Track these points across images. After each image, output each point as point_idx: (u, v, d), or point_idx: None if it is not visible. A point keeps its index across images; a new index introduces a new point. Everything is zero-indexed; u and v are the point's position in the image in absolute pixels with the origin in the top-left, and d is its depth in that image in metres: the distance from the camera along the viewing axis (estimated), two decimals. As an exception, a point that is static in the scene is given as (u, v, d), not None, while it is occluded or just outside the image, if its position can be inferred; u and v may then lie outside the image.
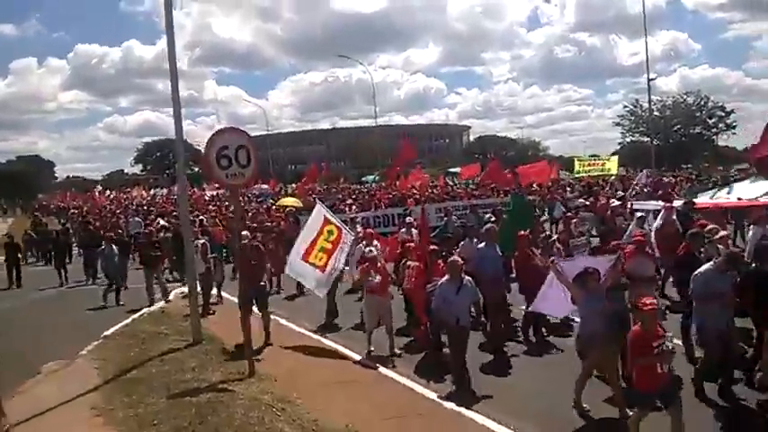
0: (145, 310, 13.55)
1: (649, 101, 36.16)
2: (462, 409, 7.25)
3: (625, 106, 67.42)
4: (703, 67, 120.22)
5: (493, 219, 13.49)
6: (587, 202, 17.19)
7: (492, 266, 9.71)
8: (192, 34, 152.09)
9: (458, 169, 45.30)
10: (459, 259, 8.56)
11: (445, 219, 17.37)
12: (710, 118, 62.36)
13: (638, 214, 13.01)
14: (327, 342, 10.54)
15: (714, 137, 62.93)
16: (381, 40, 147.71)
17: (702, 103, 61.90)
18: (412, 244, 11.00)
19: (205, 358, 9.34)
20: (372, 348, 9.66)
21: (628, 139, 63.89)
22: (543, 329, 9.93)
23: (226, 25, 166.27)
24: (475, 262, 9.74)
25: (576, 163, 24.52)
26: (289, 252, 11.79)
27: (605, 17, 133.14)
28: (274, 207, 23.71)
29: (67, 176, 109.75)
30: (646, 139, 60.13)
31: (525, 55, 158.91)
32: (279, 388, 7.99)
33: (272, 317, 10.98)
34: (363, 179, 58.10)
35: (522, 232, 10.24)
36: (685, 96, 60.83)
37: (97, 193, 59.55)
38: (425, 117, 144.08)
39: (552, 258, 8.16)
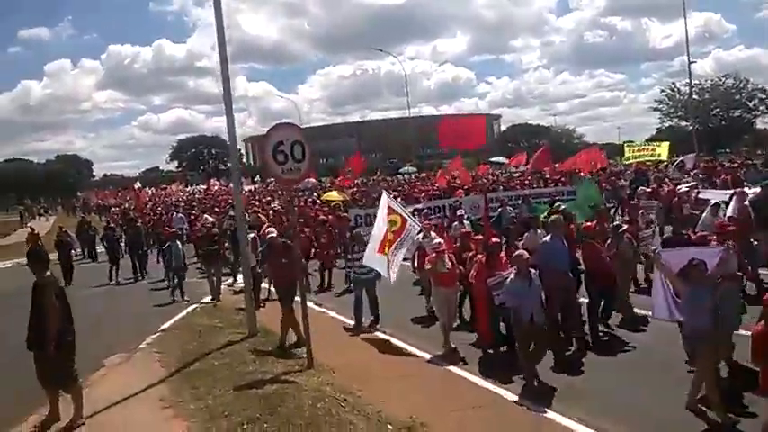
0: (196, 304, 13.79)
1: (690, 84, 35.42)
2: (533, 406, 7.10)
3: (662, 90, 66.14)
4: (738, 48, 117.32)
5: (562, 207, 12.91)
6: (649, 190, 16.38)
7: (560, 259, 9.10)
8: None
9: (500, 159, 44.79)
10: (526, 252, 8.23)
11: (499, 209, 16.93)
12: (750, 100, 60.84)
13: (712, 202, 12.23)
14: (382, 335, 10.55)
15: (754, 120, 61.49)
16: (409, 31, 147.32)
17: (741, 85, 60.40)
18: (477, 236, 10.73)
19: (263, 350, 9.48)
20: (449, 345, 9.34)
21: (666, 124, 62.74)
22: (611, 324, 9.56)
23: (254, 22, 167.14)
24: (541, 254, 9.11)
25: (626, 149, 23.94)
26: (338, 246, 11.90)
27: (636, 1, 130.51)
28: (319, 201, 23.74)
29: (104, 175, 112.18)
30: (684, 123, 59.08)
31: (555, 41, 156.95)
32: (338, 380, 8.05)
33: (323, 310, 11.09)
34: (400, 171, 57.90)
35: (589, 222, 9.93)
36: (724, 79, 59.43)
37: (137, 191, 60.81)
38: (455, 107, 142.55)
39: (655, 250, 7.90)
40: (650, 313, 8.04)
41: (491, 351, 9.14)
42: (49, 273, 6.96)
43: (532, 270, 7.98)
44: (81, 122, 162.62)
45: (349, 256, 11.87)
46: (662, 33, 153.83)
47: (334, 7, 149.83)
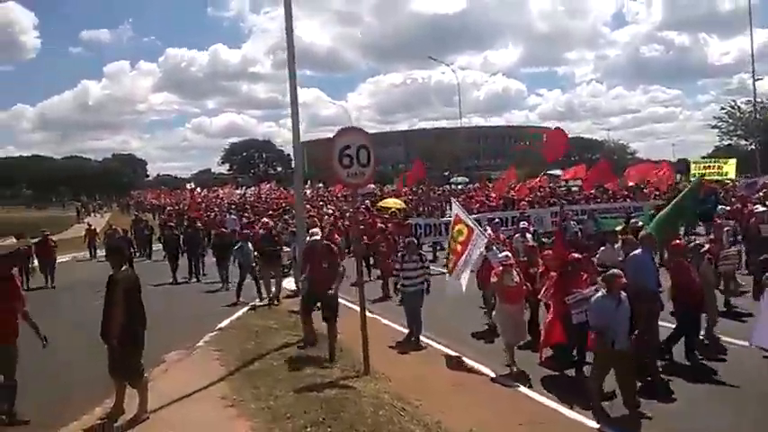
0: (250, 305, 13.95)
1: (755, 101, 34.22)
2: (608, 429, 6.88)
3: (722, 108, 64.44)
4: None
5: (639, 224, 12.39)
6: (728, 208, 15.64)
7: (649, 277, 8.41)
8: (275, 38, 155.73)
9: (558, 171, 43.98)
10: (620, 271, 7.52)
11: (563, 224, 16.01)
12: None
13: None
14: (438, 346, 10.39)
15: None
16: (460, 41, 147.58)
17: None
18: (548, 251, 10.12)
19: (320, 354, 9.47)
20: (516, 365, 8.87)
21: (725, 142, 61.03)
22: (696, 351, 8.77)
23: (308, 29, 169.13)
24: (631, 270, 8.30)
25: (693, 165, 23.28)
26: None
27: (694, 15, 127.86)
28: (375, 208, 23.40)
29: (158, 175, 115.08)
30: (744, 142, 57.41)
31: (610, 54, 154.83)
32: (395, 389, 7.99)
33: (375, 316, 10.92)
34: (451, 181, 57.50)
35: (678, 240, 9.34)
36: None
37: (191, 191, 62.10)
38: (504, 118, 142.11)
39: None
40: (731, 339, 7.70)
41: (557, 372, 8.61)
42: (125, 267, 7.07)
43: (623, 292, 7.38)
44: (137, 123, 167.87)
45: (397, 266, 11.04)
46: (720, 49, 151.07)
47: (386, 16, 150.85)
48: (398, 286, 11.14)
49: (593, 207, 19.22)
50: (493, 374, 8.80)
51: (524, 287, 9.25)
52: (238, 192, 54.47)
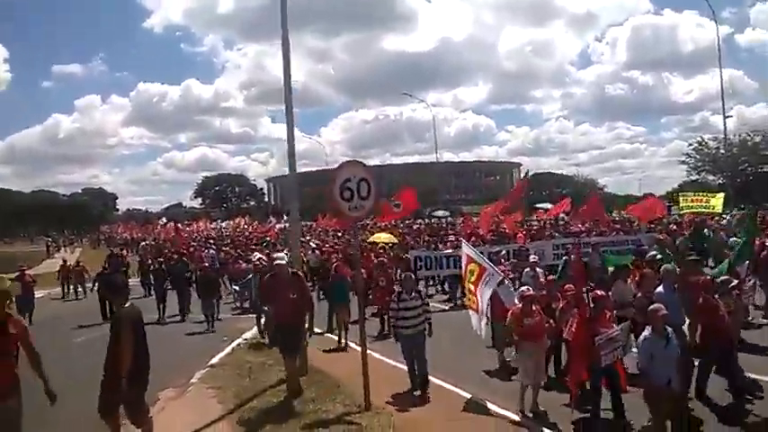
0: (239, 340, 13.72)
1: (726, 138, 35.19)
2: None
3: (689, 144, 66.21)
4: (760, 104, 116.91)
5: (659, 257, 11.77)
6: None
7: (675, 313, 7.90)
8: (247, 73, 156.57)
9: (546, 205, 44.44)
10: (662, 307, 7.04)
11: (564, 258, 15.63)
12: (778, 156, 60.63)
13: None
14: (447, 386, 9.67)
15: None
16: (430, 78, 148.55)
17: (771, 141, 60.38)
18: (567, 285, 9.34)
19: (318, 389, 9.32)
20: (538, 406, 8.16)
21: (693, 178, 62.50)
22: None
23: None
24: None
25: (681, 198, 23.69)
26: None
27: (657, 55, 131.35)
28: (366, 243, 22.08)
29: (128, 209, 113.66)
30: (711, 177, 58.88)
31: (576, 93, 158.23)
32: (399, 423, 7.89)
33: (375, 354, 10.57)
34: (434, 214, 57.55)
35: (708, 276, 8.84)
36: (753, 134, 59.40)
37: (160, 226, 61.37)
38: (475, 154, 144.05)
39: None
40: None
41: (587, 415, 7.69)
42: (129, 303, 6.90)
43: (668, 328, 6.98)
44: (107, 157, 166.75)
45: (393, 305, 9.70)
46: (683, 88, 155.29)
47: (358, 54, 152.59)
48: (393, 326, 10.18)
49: (596, 240, 18.77)
50: (515, 417, 8.09)
51: (546, 323, 8.55)
52: (212, 226, 54.10)
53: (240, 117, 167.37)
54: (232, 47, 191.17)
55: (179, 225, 40.60)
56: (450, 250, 18.22)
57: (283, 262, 9.61)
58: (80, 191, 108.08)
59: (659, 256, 11.57)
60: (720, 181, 54.29)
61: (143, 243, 35.51)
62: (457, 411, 8.55)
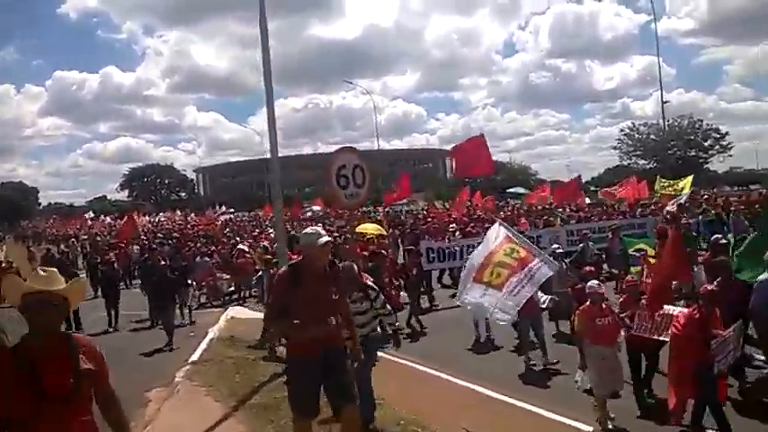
0: (212, 335, 13.24)
1: (664, 123, 36.75)
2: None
3: (621, 130, 69.09)
4: (678, 91, 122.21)
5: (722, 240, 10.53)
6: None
7: None
8: (169, 60, 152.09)
9: (519, 189, 44.77)
10: None
11: (581, 245, 14.46)
12: (705, 140, 63.84)
13: None
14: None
15: (710, 159, 64.54)
16: (359, 66, 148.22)
17: (697, 126, 63.45)
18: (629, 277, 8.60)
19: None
20: (612, 417, 7.18)
21: (624, 163, 65.04)
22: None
23: (205, 52, 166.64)
24: (762, 298, 7.29)
25: (658, 181, 24.27)
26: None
27: (578, 44, 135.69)
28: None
29: (50, 203, 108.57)
30: (642, 161, 61.49)
31: (502, 81, 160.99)
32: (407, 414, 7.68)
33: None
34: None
35: None
36: (679, 119, 62.24)
37: (89, 220, 58.91)
38: (406, 142, 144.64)
39: None
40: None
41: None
42: None
43: None
44: (24, 149, 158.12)
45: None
46: (604, 75, 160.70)
47: (286, 41, 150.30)
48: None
49: (614, 224, 17.47)
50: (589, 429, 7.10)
51: (620, 323, 7.51)
52: (146, 219, 52.27)
53: (163, 105, 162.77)
54: (152, 33, 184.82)
55: (92, 219, 38.70)
56: (463, 240, 17.37)
57: (327, 240, 5.64)
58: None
59: (723, 240, 10.35)
60: (650, 165, 56.61)
61: (72, 240, 33.56)
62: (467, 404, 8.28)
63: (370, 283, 7.29)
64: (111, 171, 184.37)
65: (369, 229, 18.01)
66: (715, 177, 64.20)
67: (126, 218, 30.13)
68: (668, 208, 18.75)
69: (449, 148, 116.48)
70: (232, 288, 19.41)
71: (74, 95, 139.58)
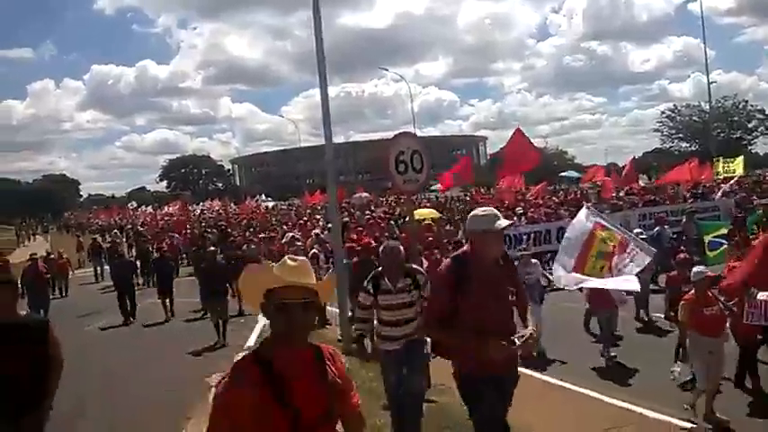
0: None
1: (710, 104, 35.73)
2: None
3: (662, 112, 67.55)
4: (717, 71, 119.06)
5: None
6: None
7: None
8: (204, 53, 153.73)
9: (572, 173, 43.77)
10: None
11: (656, 229, 13.83)
12: (749, 122, 62.16)
13: None
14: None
15: (754, 141, 62.96)
16: (391, 54, 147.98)
17: (741, 107, 61.74)
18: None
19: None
20: (719, 416, 6.60)
21: (667, 145, 63.57)
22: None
23: (238, 44, 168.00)
24: None
25: (720, 162, 23.62)
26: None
27: (614, 26, 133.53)
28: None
29: (89, 195, 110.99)
30: (684, 144, 60.15)
31: (536, 65, 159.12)
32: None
33: None
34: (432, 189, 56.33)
35: None
36: (723, 100, 60.51)
37: (131, 210, 59.95)
38: (439, 129, 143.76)
39: None
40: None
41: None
42: None
43: None
44: (64, 142, 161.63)
45: (362, 299, 6.27)
46: (640, 57, 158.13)
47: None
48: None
49: (690, 207, 16.77)
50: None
51: (725, 312, 7.02)
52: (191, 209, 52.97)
53: (199, 97, 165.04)
54: (186, 26, 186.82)
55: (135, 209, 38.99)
56: (529, 225, 16.79)
57: (506, 223, 4.39)
58: (41, 177, 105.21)
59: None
60: (692, 148, 55.37)
61: (114, 231, 34.15)
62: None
63: (416, 267, 6.46)
64: (149, 162, 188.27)
65: (424, 213, 17.78)
66: (760, 159, 62.63)
67: (179, 206, 30.31)
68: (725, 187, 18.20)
69: (481, 134, 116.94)
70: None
71: (111, 89, 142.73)
